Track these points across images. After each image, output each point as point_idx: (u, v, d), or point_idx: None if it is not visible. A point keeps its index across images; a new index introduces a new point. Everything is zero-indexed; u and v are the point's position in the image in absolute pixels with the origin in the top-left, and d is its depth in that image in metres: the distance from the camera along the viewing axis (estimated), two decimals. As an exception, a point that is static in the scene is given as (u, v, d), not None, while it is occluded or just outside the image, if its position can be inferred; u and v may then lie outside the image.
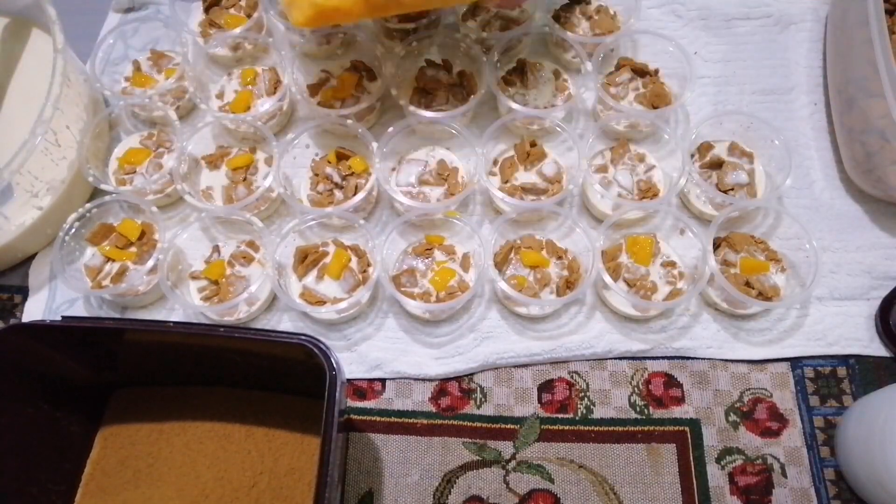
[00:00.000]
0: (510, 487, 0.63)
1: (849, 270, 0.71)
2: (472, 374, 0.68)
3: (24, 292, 0.74)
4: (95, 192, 0.77)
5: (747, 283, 0.66)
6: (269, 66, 0.82)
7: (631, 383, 0.67)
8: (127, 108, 0.80)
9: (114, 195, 0.71)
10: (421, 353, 0.68)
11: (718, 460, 0.64)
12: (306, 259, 0.69)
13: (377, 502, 0.63)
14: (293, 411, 0.62)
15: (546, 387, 0.68)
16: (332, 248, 0.70)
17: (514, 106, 0.74)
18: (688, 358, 0.68)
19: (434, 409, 0.67)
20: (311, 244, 0.70)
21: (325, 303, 0.67)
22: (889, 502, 0.58)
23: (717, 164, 0.73)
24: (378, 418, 0.66)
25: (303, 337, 0.51)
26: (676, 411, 0.66)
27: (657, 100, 0.75)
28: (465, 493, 0.63)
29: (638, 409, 0.66)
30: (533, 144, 0.74)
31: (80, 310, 0.72)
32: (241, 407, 0.63)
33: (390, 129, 0.73)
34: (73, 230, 0.70)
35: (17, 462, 0.56)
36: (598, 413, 0.66)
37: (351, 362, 0.68)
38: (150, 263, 0.67)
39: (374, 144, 0.72)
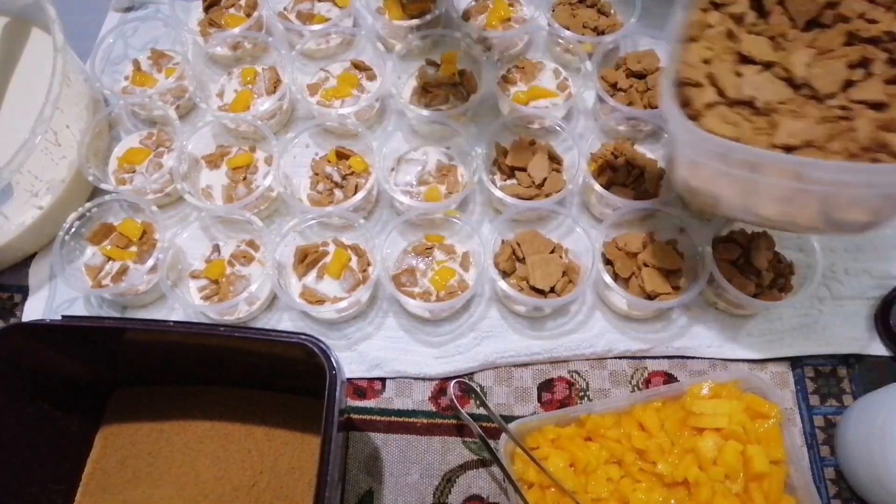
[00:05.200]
0: (510, 487, 0.63)
1: (848, 270, 0.71)
2: (472, 374, 0.68)
3: (24, 292, 0.74)
4: (95, 192, 0.77)
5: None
6: (268, 66, 0.82)
7: (631, 382, 0.67)
8: (127, 107, 0.80)
9: (114, 195, 0.71)
10: (421, 353, 0.69)
11: (718, 459, 0.64)
12: (306, 258, 0.69)
13: (377, 501, 0.63)
14: (293, 410, 0.62)
15: (546, 386, 0.68)
16: (332, 248, 0.70)
17: (515, 106, 0.74)
18: (688, 357, 0.68)
19: (434, 409, 0.67)
20: (311, 243, 0.70)
21: (325, 302, 0.67)
22: (889, 502, 0.58)
23: (717, 164, 0.73)
24: (378, 417, 0.66)
25: (303, 336, 0.51)
26: (676, 411, 0.66)
27: (657, 100, 0.75)
28: (465, 493, 0.63)
29: (638, 408, 0.66)
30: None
31: (80, 309, 0.72)
32: (241, 406, 0.63)
33: (390, 128, 0.73)
34: (73, 229, 0.70)
35: (17, 461, 0.56)
36: (598, 412, 0.66)
37: (351, 361, 0.68)
38: (151, 263, 0.67)
39: (375, 144, 0.72)
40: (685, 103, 0.57)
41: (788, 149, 0.52)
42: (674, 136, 0.57)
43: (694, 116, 0.56)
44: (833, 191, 0.50)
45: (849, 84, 0.55)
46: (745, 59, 0.58)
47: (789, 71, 0.55)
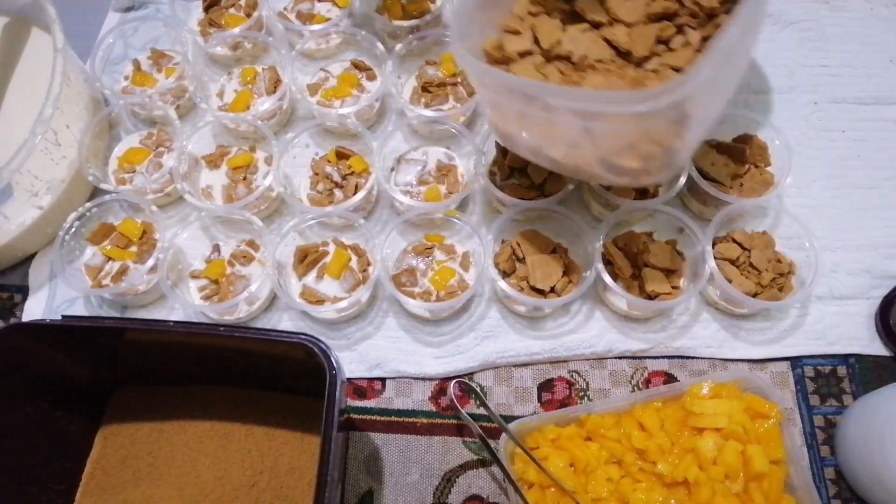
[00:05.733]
0: (510, 487, 0.63)
1: (849, 269, 0.71)
2: (472, 374, 0.68)
3: (24, 291, 0.74)
4: (95, 192, 0.77)
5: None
6: (268, 66, 0.82)
7: (631, 382, 0.67)
8: (127, 107, 0.80)
9: (114, 195, 0.71)
10: (421, 353, 0.69)
11: (718, 459, 0.64)
12: (306, 258, 0.69)
13: (377, 501, 0.63)
14: (293, 410, 0.62)
15: (546, 386, 0.68)
16: (332, 248, 0.70)
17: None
18: (688, 357, 0.68)
19: (434, 409, 0.67)
20: (311, 243, 0.70)
21: (325, 302, 0.67)
22: (889, 502, 0.58)
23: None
24: (378, 417, 0.66)
25: (303, 336, 0.51)
26: (676, 411, 0.66)
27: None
28: (465, 493, 0.63)
29: (638, 408, 0.66)
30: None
31: (80, 309, 0.72)
32: (241, 406, 0.63)
33: (390, 128, 0.73)
34: (74, 229, 0.70)
35: (17, 461, 0.56)
36: (598, 412, 0.66)
37: (351, 361, 0.68)
38: (151, 263, 0.67)
39: (375, 144, 0.72)
40: (500, 49, 0.59)
41: None
42: (473, 78, 0.58)
43: (505, 61, 0.58)
44: (604, 131, 0.52)
45: (670, 51, 0.58)
46: (576, 19, 0.60)
47: (612, 35, 0.58)
